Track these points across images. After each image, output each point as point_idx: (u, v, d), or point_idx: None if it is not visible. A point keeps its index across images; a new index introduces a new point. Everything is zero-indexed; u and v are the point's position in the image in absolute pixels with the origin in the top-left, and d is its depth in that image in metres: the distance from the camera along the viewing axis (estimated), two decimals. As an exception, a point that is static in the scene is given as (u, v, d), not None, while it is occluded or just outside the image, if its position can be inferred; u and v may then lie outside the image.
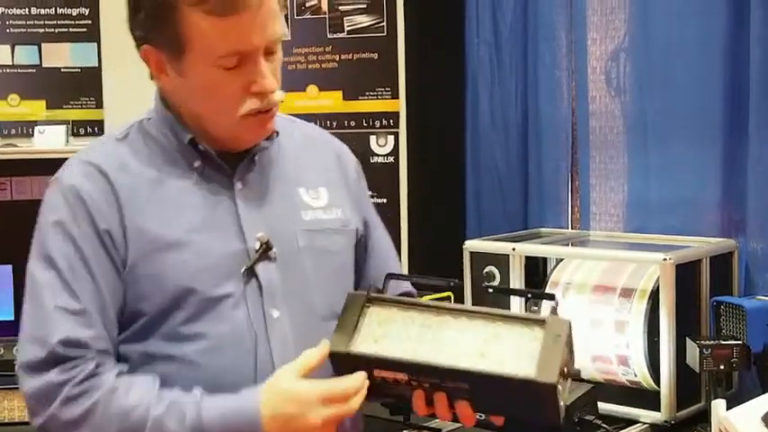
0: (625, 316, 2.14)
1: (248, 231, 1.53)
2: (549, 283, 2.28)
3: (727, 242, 2.31)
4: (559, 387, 1.37)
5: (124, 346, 1.50)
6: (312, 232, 1.59)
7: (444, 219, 2.79)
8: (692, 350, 1.97)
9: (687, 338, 2.02)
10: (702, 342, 1.96)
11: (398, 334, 1.46)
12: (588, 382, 2.09)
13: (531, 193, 2.75)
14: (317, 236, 1.59)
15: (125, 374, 1.47)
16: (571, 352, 1.44)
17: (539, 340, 1.39)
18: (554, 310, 1.46)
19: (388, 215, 2.70)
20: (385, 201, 2.74)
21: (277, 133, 1.59)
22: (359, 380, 1.44)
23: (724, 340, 1.98)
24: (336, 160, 1.71)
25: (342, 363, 1.46)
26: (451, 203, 2.81)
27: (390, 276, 1.57)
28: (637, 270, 2.18)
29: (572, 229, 2.68)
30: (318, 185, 1.64)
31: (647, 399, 2.14)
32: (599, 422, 1.86)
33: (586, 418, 1.84)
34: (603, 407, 2.01)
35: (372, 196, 2.71)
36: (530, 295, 1.62)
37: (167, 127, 1.56)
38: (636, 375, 2.16)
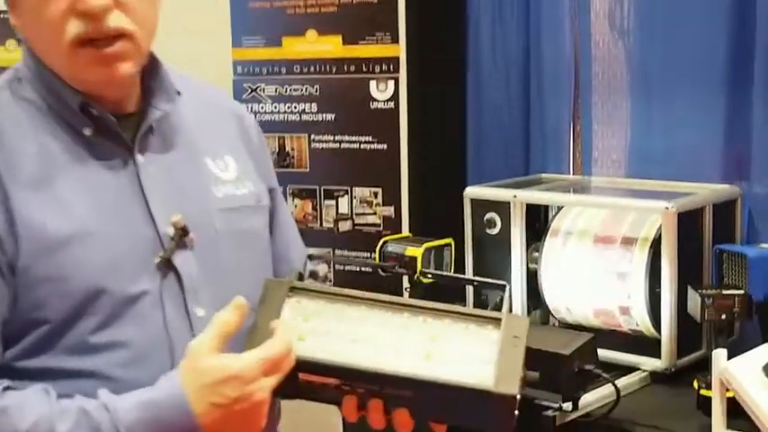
0: (626, 267, 2.12)
1: (158, 214, 1.31)
2: (549, 230, 2.26)
3: (731, 189, 2.29)
4: (518, 397, 1.20)
5: (18, 362, 1.25)
6: (228, 212, 1.39)
7: (445, 165, 2.76)
8: (694, 299, 1.96)
9: (689, 287, 2.01)
10: (704, 291, 1.94)
11: (328, 331, 1.25)
12: (588, 330, 2.07)
13: (533, 138, 2.72)
14: (233, 216, 1.39)
15: (12, 389, 1.21)
16: (528, 355, 1.26)
17: (495, 343, 1.22)
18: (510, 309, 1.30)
19: (388, 161, 2.68)
20: (385, 147, 2.71)
21: (179, 93, 1.38)
22: (287, 338, 1.23)
23: (726, 289, 1.96)
24: (238, 124, 1.50)
25: None
26: (452, 149, 2.79)
27: (312, 257, 1.42)
28: (639, 218, 2.16)
29: (573, 174, 2.65)
30: (224, 154, 1.43)
31: (648, 346, 2.13)
32: (599, 372, 1.84)
33: (586, 367, 1.82)
34: (603, 354, 2.00)
35: (372, 142, 2.71)
36: (475, 284, 1.48)
37: (44, 86, 1.30)
38: (638, 325, 2.15)
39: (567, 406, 1.86)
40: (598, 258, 2.16)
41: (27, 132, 1.28)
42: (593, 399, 1.93)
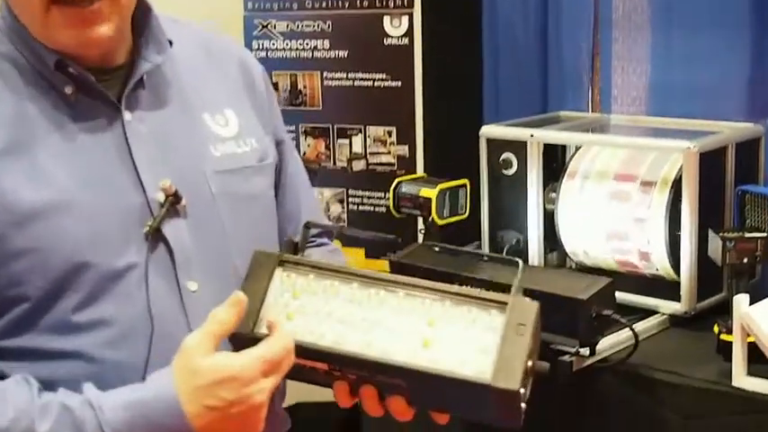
0: (645, 211, 2.07)
1: (147, 178, 1.20)
2: (567, 171, 2.21)
3: (754, 128, 2.22)
4: (522, 391, 1.09)
5: None
6: (226, 174, 1.28)
7: (460, 103, 2.70)
8: (715, 243, 1.91)
9: (710, 230, 1.96)
10: (726, 234, 1.89)
11: (318, 311, 1.15)
12: (606, 274, 2.03)
13: (551, 75, 2.65)
14: (232, 178, 1.28)
15: None
16: (537, 341, 1.14)
17: (497, 330, 1.10)
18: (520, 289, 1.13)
19: (402, 99, 2.63)
20: (399, 84, 2.66)
21: (170, 42, 1.27)
22: (289, 337, 1.13)
23: (748, 232, 1.91)
24: (243, 73, 1.39)
25: (244, 343, 1.14)
26: (468, 87, 2.72)
27: (309, 226, 1.26)
28: (659, 158, 2.10)
29: (592, 113, 2.59)
30: (224, 107, 1.32)
31: (667, 289, 2.09)
32: (617, 317, 1.80)
33: (603, 312, 1.79)
34: (621, 297, 1.96)
35: (386, 79, 2.65)
36: (486, 258, 1.36)
37: (21, 42, 1.20)
38: (657, 269, 2.10)
39: (585, 351, 1.84)
40: (616, 201, 2.11)
41: (3, 95, 1.18)
42: (610, 343, 1.90)
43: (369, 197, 2.73)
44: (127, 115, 1.22)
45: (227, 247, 1.26)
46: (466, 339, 1.11)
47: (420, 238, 2.30)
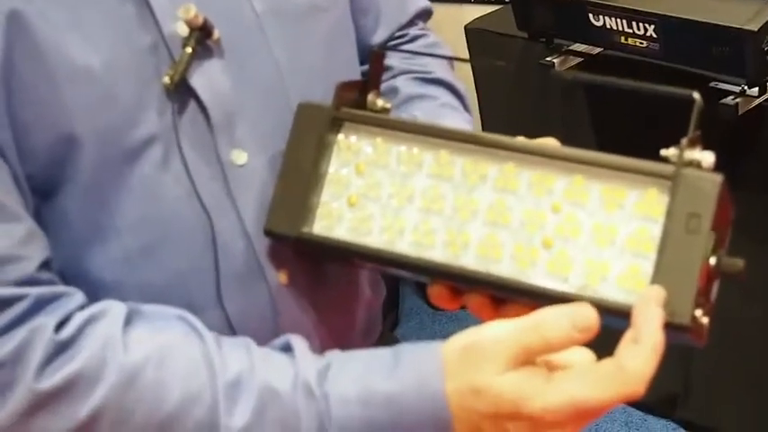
0: None
1: (160, 3, 0.80)
2: None
3: None
4: (698, 315, 0.70)
5: None
6: None
7: None
8: None
9: None
10: None
11: (392, 193, 0.80)
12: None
13: None
14: None
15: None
16: (724, 226, 0.73)
17: (657, 220, 0.72)
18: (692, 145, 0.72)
19: None
20: None
21: None
22: (622, 374, 0.67)
23: None
24: None
25: (294, 244, 0.83)
26: None
27: (378, 53, 0.88)
28: None
29: None
30: None
31: None
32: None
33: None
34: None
35: None
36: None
37: None
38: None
39: (753, 91, 1.61)
40: None
41: None
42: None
43: None
44: None
45: (283, 92, 0.87)
46: (605, 238, 0.74)
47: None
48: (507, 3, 1.92)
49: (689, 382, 2.02)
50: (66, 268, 0.79)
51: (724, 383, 1.97)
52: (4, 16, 0.73)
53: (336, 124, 0.82)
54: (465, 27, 2.11)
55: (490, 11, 2.20)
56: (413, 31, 1.07)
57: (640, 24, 1.60)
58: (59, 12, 0.75)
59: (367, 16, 1.01)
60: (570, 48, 1.83)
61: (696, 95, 0.71)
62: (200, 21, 0.80)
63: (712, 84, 1.63)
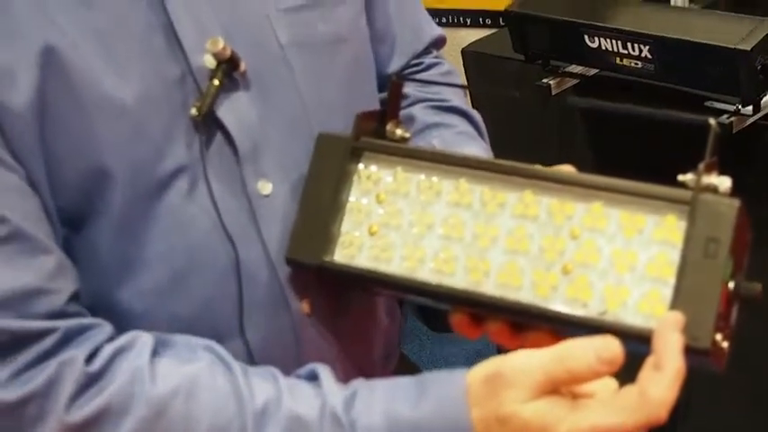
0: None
1: (189, 36, 0.81)
2: None
3: None
4: (718, 339, 0.72)
5: None
6: (296, 12, 0.88)
7: None
8: None
9: None
10: None
11: (412, 222, 0.81)
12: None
13: None
14: (306, 16, 0.88)
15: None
16: (741, 250, 0.74)
17: (676, 246, 0.73)
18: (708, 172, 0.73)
19: None
20: None
21: None
22: (647, 405, 0.68)
23: None
24: None
25: (317, 272, 0.85)
26: None
27: (396, 83, 0.88)
28: None
29: None
30: None
31: None
32: (786, 66, 1.53)
33: (769, 63, 1.52)
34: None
35: None
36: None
37: None
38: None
39: (747, 110, 1.60)
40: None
41: None
42: (776, 99, 1.65)
43: None
44: None
45: (307, 122, 0.87)
46: (625, 263, 0.75)
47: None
48: (503, 26, 1.94)
49: (690, 401, 2.03)
50: (95, 299, 0.80)
51: (726, 402, 1.97)
52: (39, 51, 0.74)
53: (356, 154, 0.84)
54: (462, 50, 2.12)
55: (487, 34, 2.22)
56: (428, 60, 1.09)
57: (635, 45, 1.62)
58: (91, 44, 0.77)
59: (383, 44, 1.03)
60: (566, 69, 1.84)
61: (712, 121, 0.73)
62: (227, 53, 0.81)
63: (707, 103, 1.64)
